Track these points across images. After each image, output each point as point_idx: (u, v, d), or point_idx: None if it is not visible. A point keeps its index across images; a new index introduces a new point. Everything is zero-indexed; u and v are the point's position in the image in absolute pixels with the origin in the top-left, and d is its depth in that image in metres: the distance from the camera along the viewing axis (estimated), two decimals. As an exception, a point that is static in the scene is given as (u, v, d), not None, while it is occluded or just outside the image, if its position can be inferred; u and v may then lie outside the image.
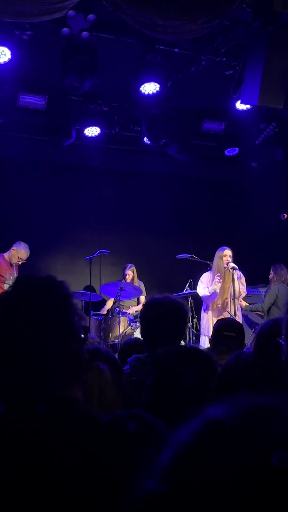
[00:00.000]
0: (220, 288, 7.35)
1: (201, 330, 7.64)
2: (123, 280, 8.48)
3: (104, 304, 8.83)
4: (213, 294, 7.35)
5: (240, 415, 0.61)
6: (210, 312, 7.49)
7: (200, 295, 7.56)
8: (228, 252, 7.40)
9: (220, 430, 0.60)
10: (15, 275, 7.48)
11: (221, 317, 7.22)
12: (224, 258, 7.36)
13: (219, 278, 7.30)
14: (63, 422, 1.28)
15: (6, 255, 7.51)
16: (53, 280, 1.44)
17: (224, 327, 3.75)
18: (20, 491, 1.19)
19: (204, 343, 7.16)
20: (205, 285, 7.46)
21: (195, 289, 7.69)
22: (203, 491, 0.56)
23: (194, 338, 7.78)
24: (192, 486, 0.56)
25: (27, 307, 1.35)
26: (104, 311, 8.69)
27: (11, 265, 7.48)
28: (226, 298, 7.34)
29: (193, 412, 0.64)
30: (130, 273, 8.56)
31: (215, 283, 7.31)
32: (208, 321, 7.48)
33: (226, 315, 7.19)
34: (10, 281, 7.37)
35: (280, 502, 0.53)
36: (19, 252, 7.46)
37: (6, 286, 7.32)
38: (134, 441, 1.21)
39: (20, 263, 7.51)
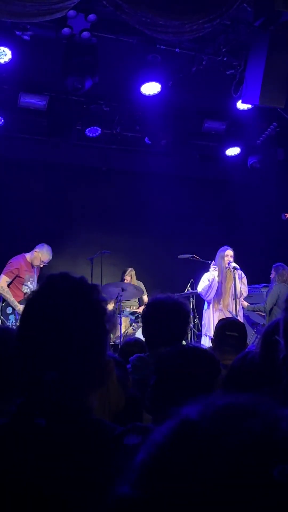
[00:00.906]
0: (221, 287, 7.35)
1: (202, 330, 7.64)
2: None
3: None
4: (212, 282, 7.34)
5: (214, 415, 0.59)
6: (211, 312, 7.48)
7: (200, 290, 7.55)
8: (229, 252, 7.41)
9: (192, 430, 0.58)
10: (36, 277, 7.37)
11: (222, 317, 7.22)
12: (226, 258, 7.37)
13: (215, 266, 7.34)
14: (69, 432, 1.27)
15: (28, 256, 7.36)
16: (85, 283, 1.40)
17: (227, 327, 3.74)
18: (16, 497, 1.18)
19: (206, 343, 7.15)
20: (206, 284, 7.47)
21: (197, 289, 7.69)
22: (172, 495, 0.54)
23: (195, 338, 7.78)
24: (161, 489, 0.55)
25: (56, 308, 1.32)
26: None
27: (32, 266, 7.42)
28: (228, 298, 7.34)
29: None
30: (128, 278, 8.56)
31: (210, 270, 7.35)
32: (209, 321, 7.48)
33: (227, 314, 7.18)
34: (29, 282, 7.25)
35: (255, 506, 0.52)
36: (42, 255, 7.34)
37: (24, 288, 7.22)
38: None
39: (42, 265, 7.42)
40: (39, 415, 1.26)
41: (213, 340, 3.90)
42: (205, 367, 1.94)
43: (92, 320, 1.33)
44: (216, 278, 7.34)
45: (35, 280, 7.31)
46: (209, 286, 7.43)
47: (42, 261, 7.35)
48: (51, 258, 7.42)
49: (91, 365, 1.32)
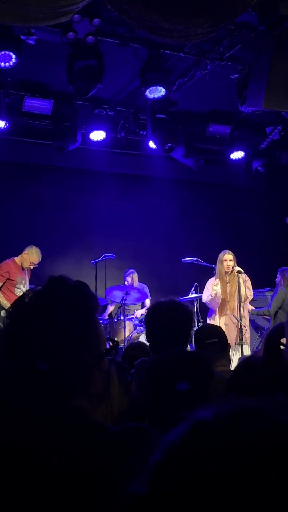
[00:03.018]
0: (226, 292, 7.33)
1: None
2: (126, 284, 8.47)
3: (105, 309, 8.77)
4: (215, 297, 7.30)
5: (226, 418, 0.62)
6: (216, 317, 7.45)
7: (204, 300, 7.54)
8: (228, 256, 7.35)
9: (206, 431, 0.60)
10: (27, 279, 7.45)
11: (228, 321, 7.20)
12: (225, 263, 7.33)
13: (218, 281, 7.31)
14: (65, 429, 1.27)
15: (17, 259, 7.47)
16: (83, 288, 1.40)
17: (205, 336, 3.70)
18: (17, 491, 1.18)
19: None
20: (210, 291, 7.44)
21: (201, 293, 7.67)
22: (186, 493, 0.56)
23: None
24: (175, 488, 0.57)
25: (52, 312, 1.32)
26: (105, 316, 8.66)
27: (22, 269, 7.46)
28: (233, 302, 7.31)
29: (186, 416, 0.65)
30: (129, 279, 8.55)
31: (213, 285, 7.29)
32: (214, 325, 7.45)
33: (233, 319, 7.16)
34: (21, 285, 7.32)
35: (261, 505, 0.54)
36: (31, 256, 7.43)
37: (17, 290, 7.28)
38: (135, 458, 1.19)
39: (32, 267, 7.49)
40: (28, 416, 1.27)
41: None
42: (196, 371, 1.93)
43: (82, 324, 1.33)
44: (219, 292, 7.28)
45: (27, 283, 7.38)
46: (210, 300, 7.41)
47: (32, 263, 7.44)
48: (40, 259, 7.50)
49: (79, 369, 1.32)
